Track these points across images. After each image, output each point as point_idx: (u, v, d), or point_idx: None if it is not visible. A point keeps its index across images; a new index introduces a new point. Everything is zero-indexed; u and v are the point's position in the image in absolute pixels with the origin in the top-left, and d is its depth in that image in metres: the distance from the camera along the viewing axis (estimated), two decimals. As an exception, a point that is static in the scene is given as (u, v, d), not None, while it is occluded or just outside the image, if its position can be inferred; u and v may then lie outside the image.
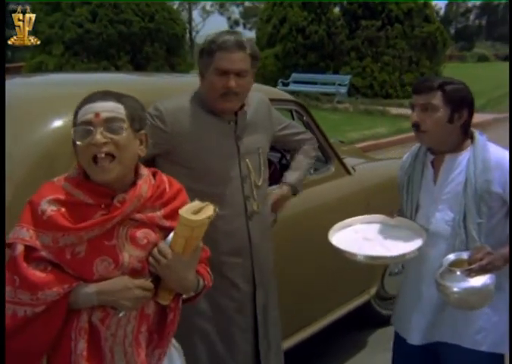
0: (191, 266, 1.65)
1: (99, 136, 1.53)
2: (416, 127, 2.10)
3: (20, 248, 1.52)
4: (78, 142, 1.56)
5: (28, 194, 1.63)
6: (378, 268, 3.61)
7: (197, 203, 1.62)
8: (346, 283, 3.36)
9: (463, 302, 1.99)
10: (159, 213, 1.66)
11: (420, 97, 2.09)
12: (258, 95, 2.42)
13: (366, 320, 3.76)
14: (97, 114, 1.56)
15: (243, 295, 2.29)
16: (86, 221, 1.55)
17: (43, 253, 1.53)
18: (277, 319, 2.47)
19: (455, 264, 2.00)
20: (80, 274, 1.55)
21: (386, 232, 2.22)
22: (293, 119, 3.11)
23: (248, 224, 2.25)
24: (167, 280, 1.63)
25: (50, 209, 1.54)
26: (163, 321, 1.69)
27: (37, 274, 1.50)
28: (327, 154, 3.30)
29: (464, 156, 2.12)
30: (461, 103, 2.07)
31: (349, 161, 3.60)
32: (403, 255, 2.07)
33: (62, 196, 1.56)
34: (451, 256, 2.02)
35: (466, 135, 2.14)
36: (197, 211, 1.58)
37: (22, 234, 1.54)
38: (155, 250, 1.61)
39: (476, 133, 2.15)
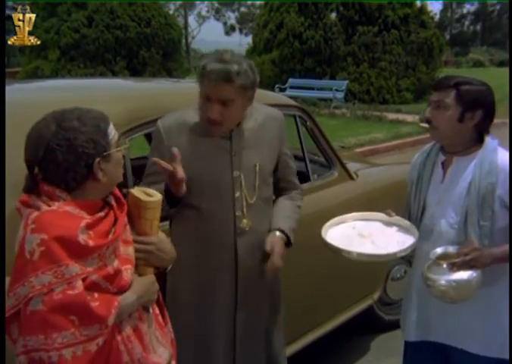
0: (168, 239, 1.75)
1: None
2: (428, 122, 2.12)
3: (80, 284, 1.43)
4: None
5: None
6: (381, 272, 3.61)
7: (136, 189, 1.69)
8: (349, 288, 3.35)
9: (445, 294, 2.00)
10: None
11: (436, 94, 2.10)
12: (272, 110, 2.32)
13: (368, 325, 3.75)
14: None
15: (223, 312, 2.23)
16: (108, 231, 1.54)
17: (93, 278, 1.47)
18: (262, 342, 2.35)
19: (444, 258, 2.02)
20: (119, 287, 1.53)
21: (381, 230, 2.25)
22: (296, 124, 3.11)
23: (236, 241, 2.19)
24: (164, 262, 1.71)
25: (87, 237, 1.47)
26: (157, 301, 1.77)
27: (96, 305, 1.45)
28: (330, 159, 3.30)
29: (473, 160, 2.10)
30: (475, 104, 2.06)
31: (351, 166, 3.60)
32: (393, 254, 2.10)
33: (88, 221, 1.50)
34: (438, 250, 2.05)
35: (479, 138, 2.13)
36: (146, 194, 1.66)
37: (74, 270, 1.43)
38: (137, 245, 1.64)
39: (487, 138, 2.14)
